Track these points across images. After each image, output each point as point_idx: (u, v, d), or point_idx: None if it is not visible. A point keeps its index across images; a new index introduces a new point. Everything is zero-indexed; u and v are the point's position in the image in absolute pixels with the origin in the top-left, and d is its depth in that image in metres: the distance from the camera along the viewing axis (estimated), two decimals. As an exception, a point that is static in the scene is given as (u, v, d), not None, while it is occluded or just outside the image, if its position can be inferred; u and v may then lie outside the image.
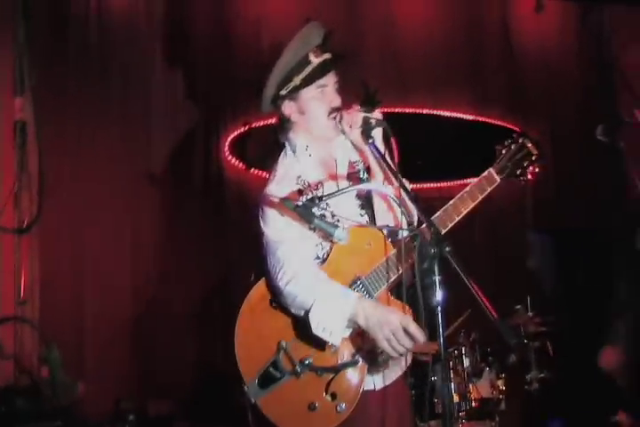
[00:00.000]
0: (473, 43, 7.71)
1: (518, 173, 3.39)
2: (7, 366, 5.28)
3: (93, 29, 6.50)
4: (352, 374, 3.01)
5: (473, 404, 5.27)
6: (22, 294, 5.60)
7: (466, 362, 5.41)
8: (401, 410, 3.17)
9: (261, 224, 3.13)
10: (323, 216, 3.04)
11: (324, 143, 3.29)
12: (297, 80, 3.24)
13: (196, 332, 6.25)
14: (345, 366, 3.00)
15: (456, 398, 5.23)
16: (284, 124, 3.33)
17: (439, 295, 2.53)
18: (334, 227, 2.81)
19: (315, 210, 2.83)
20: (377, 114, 3.14)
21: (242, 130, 6.80)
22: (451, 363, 5.25)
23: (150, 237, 6.42)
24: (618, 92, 7.41)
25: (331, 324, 2.87)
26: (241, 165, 6.82)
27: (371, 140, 3.04)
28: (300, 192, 3.15)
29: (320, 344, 2.97)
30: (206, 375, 6.07)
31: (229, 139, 6.83)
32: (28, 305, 5.64)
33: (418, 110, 7.30)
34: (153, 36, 6.75)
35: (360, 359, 3.00)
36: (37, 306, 5.71)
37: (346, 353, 3.02)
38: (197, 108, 6.83)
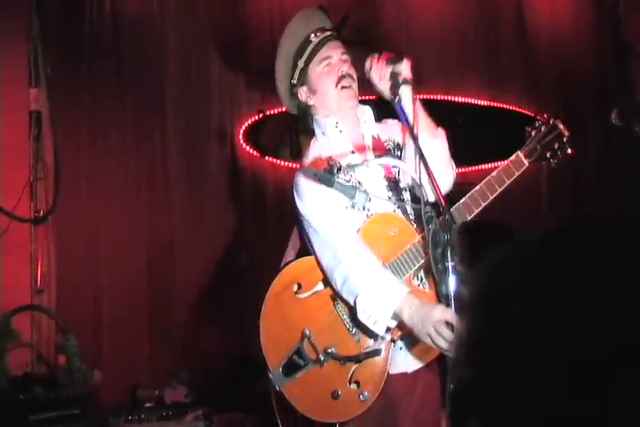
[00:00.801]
0: (487, 27, 7.68)
1: (548, 155, 3.24)
2: (25, 355, 5.31)
3: (107, 19, 6.50)
4: (376, 363, 2.99)
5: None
6: (39, 283, 5.63)
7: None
8: (429, 394, 3.13)
9: (301, 208, 3.09)
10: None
11: (350, 121, 3.27)
12: (301, 63, 3.23)
13: (213, 320, 6.28)
14: (368, 355, 2.98)
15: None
16: (306, 112, 3.33)
17: (452, 282, 2.51)
18: (354, 189, 2.76)
19: (336, 178, 2.78)
20: (406, 69, 3.02)
21: (256, 118, 6.81)
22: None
23: (166, 226, 6.43)
24: (634, 76, 7.34)
25: (376, 313, 2.84)
26: (256, 152, 6.82)
27: (397, 98, 2.93)
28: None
29: (365, 330, 2.96)
30: (223, 363, 6.10)
31: (244, 126, 6.83)
32: (45, 294, 5.67)
33: (432, 96, 7.27)
34: (167, 23, 6.75)
35: (383, 348, 2.97)
36: (54, 295, 5.74)
37: (369, 342, 3.00)
38: (212, 96, 6.84)
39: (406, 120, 2.91)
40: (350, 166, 2.92)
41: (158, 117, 6.61)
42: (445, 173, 3.11)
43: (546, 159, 3.25)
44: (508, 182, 3.10)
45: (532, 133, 3.24)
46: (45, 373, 5.14)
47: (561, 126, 3.26)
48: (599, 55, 7.89)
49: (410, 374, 3.08)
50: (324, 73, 3.21)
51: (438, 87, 7.31)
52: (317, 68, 3.22)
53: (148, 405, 5.65)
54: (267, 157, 6.80)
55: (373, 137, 3.28)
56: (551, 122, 3.26)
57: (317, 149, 3.25)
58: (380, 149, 3.24)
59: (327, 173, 2.73)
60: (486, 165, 6.87)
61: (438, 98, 7.25)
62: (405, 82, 2.99)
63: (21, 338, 5.02)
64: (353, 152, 3.20)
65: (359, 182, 3.07)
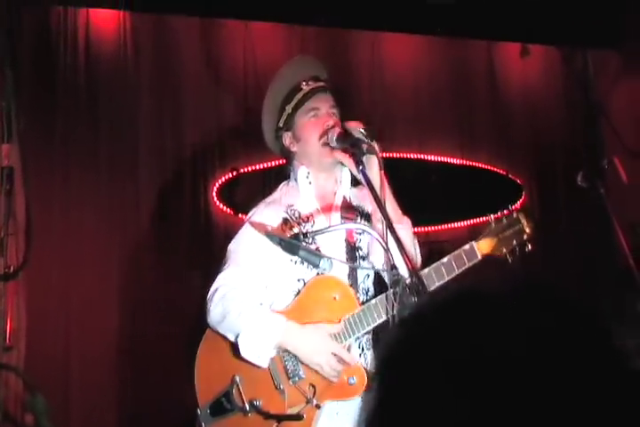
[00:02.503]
0: (459, 87, 7.75)
1: (504, 250, 3.06)
2: (-9, 414, 5.21)
3: (81, 75, 6.53)
4: (297, 425, 2.96)
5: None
6: (8, 341, 5.54)
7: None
8: None
9: (233, 240, 3.18)
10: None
11: (327, 176, 3.27)
12: (289, 109, 3.25)
13: (184, 378, 6.18)
14: (289, 417, 2.95)
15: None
16: (287, 157, 3.34)
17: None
18: (319, 257, 2.77)
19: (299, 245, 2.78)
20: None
21: (229, 175, 6.82)
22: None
23: (138, 283, 6.38)
24: (604, 136, 7.43)
25: (258, 349, 2.88)
26: (229, 210, 6.82)
27: (360, 167, 2.91)
28: (285, 221, 3.12)
29: (293, 392, 2.95)
30: (193, 419, 5.99)
31: (217, 184, 6.83)
32: (14, 351, 5.57)
33: (404, 155, 7.31)
34: (140, 81, 6.78)
35: (305, 414, 2.93)
36: (23, 352, 5.65)
37: (294, 403, 2.98)
38: (185, 154, 6.84)
39: (369, 187, 2.86)
40: (315, 233, 2.91)
41: (131, 173, 6.59)
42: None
43: (502, 255, 3.07)
44: (457, 272, 2.98)
45: (493, 225, 3.07)
46: (12, 432, 5.04)
47: (524, 222, 3.10)
48: (570, 115, 7.97)
49: None
50: (310, 123, 3.22)
51: (411, 146, 7.36)
52: (304, 117, 3.24)
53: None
54: (240, 215, 6.79)
55: (344, 199, 3.27)
56: (514, 215, 3.11)
57: (282, 192, 3.28)
58: (348, 213, 3.24)
59: (293, 240, 2.73)
60: (458, 224, 6.90)
61: (411, 157, 7.30)
62: (370, 150, 2.95)
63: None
64: (318, 210, 3.20)
65: (314, 239, 3.05)
